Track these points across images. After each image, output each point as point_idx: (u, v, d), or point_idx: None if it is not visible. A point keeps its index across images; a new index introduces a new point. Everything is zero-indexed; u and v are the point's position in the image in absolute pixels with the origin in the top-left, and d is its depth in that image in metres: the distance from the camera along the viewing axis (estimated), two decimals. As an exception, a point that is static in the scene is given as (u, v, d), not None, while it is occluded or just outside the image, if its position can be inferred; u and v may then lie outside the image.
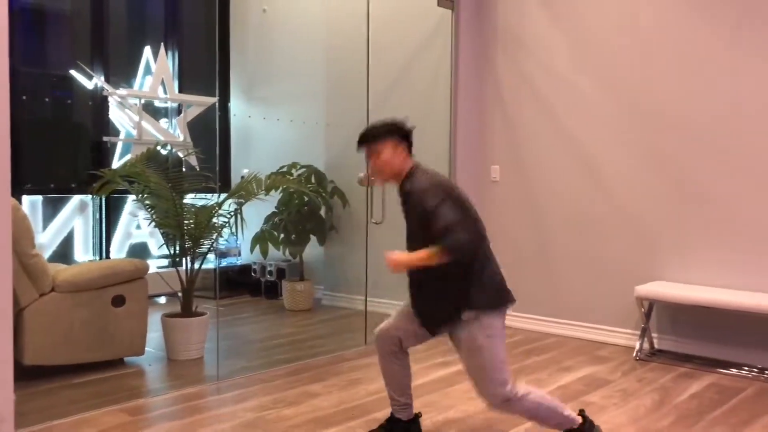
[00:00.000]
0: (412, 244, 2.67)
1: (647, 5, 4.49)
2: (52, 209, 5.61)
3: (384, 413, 3.21)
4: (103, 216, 5.96)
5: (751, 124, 4.12)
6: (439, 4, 5.09)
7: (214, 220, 4.29)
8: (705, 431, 3.10)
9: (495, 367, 2.57)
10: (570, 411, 2.71)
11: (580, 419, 2.73)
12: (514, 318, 5.03)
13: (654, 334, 4.47)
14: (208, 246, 4.35)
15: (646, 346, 4.40)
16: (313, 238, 5.78)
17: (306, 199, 5.62)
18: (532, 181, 4.96)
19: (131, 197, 5.96)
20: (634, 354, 4.33)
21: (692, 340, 4.35)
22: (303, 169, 5.73)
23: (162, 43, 6.25)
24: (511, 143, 5.11)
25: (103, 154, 5.94)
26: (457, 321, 2.60)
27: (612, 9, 4.64)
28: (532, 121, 5.03)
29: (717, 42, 4.22)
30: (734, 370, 4.01)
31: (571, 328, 4.83)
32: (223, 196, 4.48)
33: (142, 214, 6.13)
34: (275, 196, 5.52)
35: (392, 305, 5.27)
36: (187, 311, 4.27)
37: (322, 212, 5.80)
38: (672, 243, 4.43)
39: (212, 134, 6.69)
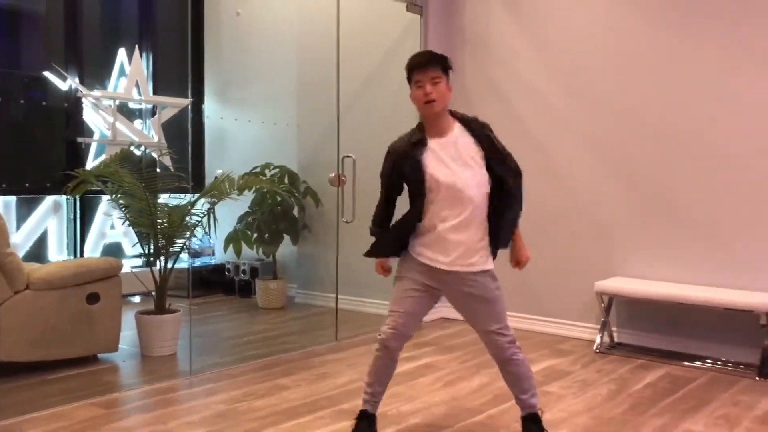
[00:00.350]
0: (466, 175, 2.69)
1: (609, 13, 4.67)
2: (26, 209, 5.66)
3: (351, 404, 3.34)
4: (77, 216, 6.02)
5: (705, 126, 4.31)
6: (408, 9, 5.24)
7: (188, 219, 4.39)
8: (655, 418, 3.27)
9: (506, 315, 2.79)
10: None
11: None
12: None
13: (614, 328, 4.64)
14: (182, 245, 4.44)
15: (606, 339, 4.57)
16: (286, 237, 5.89)
17: (279, 199, 5.72)
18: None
19: (105, 197, 6.02)
20: (595, 347, 4.50)
21: (650, 333, 4.53)
22: (276, 170, 5.84)
23: (136, 45, 6.32)
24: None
25: (78, 154, 5.99)
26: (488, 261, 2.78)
27: (575, 16, 4.81)
28: (498, 124, 5.12)
29: (674, 48, 4.41)
30: (697, 363, 4.18)
31: (535, 323, 5.00)
32: (197, 195, 4.58)
33: (116, 214, 6.20)
34: (249, 196, 5.62)
35: (363, 303, 5.44)
36: (160, 309, 4.36)
37: (295, 212, 5.91)
38: (630, 240, 4.61)
39: (187, 135, 6.78)
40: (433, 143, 2.73)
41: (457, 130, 2.76)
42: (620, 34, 4.62)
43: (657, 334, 4.50)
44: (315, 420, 3.18)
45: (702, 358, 4.23)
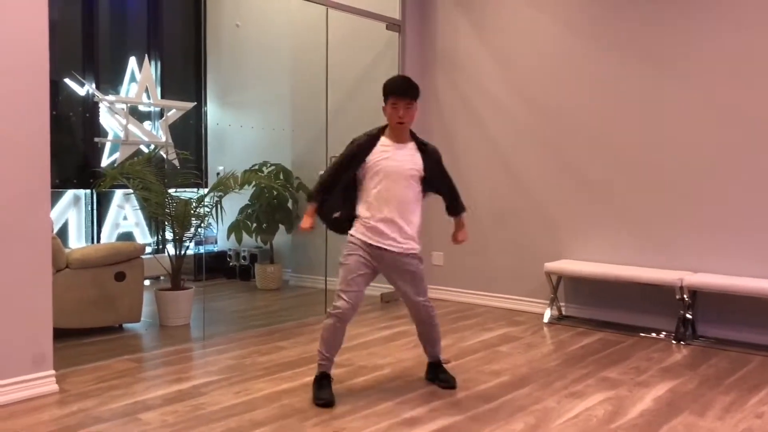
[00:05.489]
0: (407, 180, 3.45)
1: (557, 34, 5.46)
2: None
3: (339, 358, 4.11)
4: (95, 208, 6.76)
5: (635, 132, 5.11)
6: (387, 28, 6.01)
7: (198, 210, 5.16)
8: (581, 368, 4.07)
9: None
10: None
11: None
12: (449, 292, 6.05)
13: (561, 303, 5.45)
14: (194, 231, 5.20)
15: (554, 312, 5.38)
16: (281, 226, 6.67)
17: (275, 192, 6.49)
18: (466, 181, 5.88)
19: (120, 192, 6.78)
20: (545, 319, 5.31)
21: (592, 306, 5.34)
22: (272, 167, 6.61)
23: (146, 54, 7.05)
24: (449, 150, 5.99)
25: (94, 153, 6.72)
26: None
27: (532, 37, 5.61)
28: (466, 131, 5.98)
29: (612, 68, 5.21)
30: (629, 331, 5.00)
31: (495, 300, 5.81)
32: (205, 190, 5.34)
33: (129, 206, 6.95)
34: (248, 190, 6.38)
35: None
36: (176, 286, 5.13)
37: (289, 204, 6.68)
38: (575, 228, 5.42)
39: (191, 135, 7.51)
40: (386, 140, 3.50)
41: (411, 145, 3.52)
42: (569, 54, 5.41)
43: (598, 307, 5.31)
44: (309, 369, 3.95)
45: (633, 327, 5.04)
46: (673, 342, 4.71)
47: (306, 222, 3.56)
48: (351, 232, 3.51)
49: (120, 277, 4.83)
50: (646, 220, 5.10)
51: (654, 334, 4.89)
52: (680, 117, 4.93)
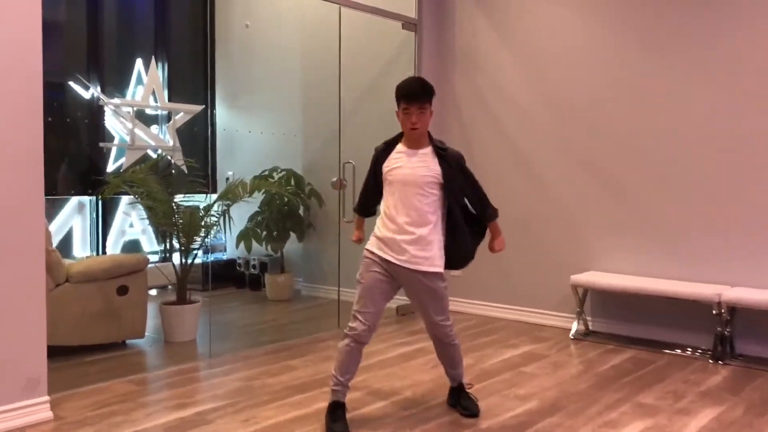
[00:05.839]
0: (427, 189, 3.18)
1: (581, 32, 5.17)
2: (52, 209, 6.15)
3: (354, 381, 3.85)
4: (100, 215, 6.53)
5: (665, 138, 4.81)
6: (403, 27, 5.74)
7: (206, 219, 4.90)
8: (613, 392, 3.78)
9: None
10: None
11: None
12: (467, 304, 5.75)
13: (588, 317, 5.15)
14: (200, 242, 4.95)
15: (581, 327, 5.09)
16: (292, 234, 6.41)
17: (286, 199, 6.24)
18: (485, 186, 5.59)
19: (125, 199, 6.54)
20: (570, 334, 5.01)
21: (621, 321, 5.04)
22: (283, 173, 6.35)
23: (152, 56, 6.82)
24: (468, 154, 5.71)
25: (100, 158, 6.50)
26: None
27: (553, 36, 5.32)
28: (485, 133, 5.70)
29: (640, 65, 4.91)
30: (661, 348, 4.70)
31: (517, 313, 5.52)
32: (213, 197, 5.08)
33: (135, 214, 6.72)
34: (258, 196, 6.13)
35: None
36: (181, 299, 4.88)
37: (301, 211, 6.43)
38: (602, 238, 5.12)
39: (199, 139, 7.28)
40: (401, 147, 3.26)
41: (427, 150, 3.24)
42: (594, 52, 5.12)
43: (627, 323, 5.01)
44: (321, 393, 3.69)
45: (665, 344, 4.74)
46: (710, 361, 4.41)
47: (354, 234, 3.60)
48: (366, 246, 3.27)
49: (123, 291, 4.59)
50: (678, 230, 4.79)
51: (681, 351, 4.60)
52: (716, 119, 4.62)
